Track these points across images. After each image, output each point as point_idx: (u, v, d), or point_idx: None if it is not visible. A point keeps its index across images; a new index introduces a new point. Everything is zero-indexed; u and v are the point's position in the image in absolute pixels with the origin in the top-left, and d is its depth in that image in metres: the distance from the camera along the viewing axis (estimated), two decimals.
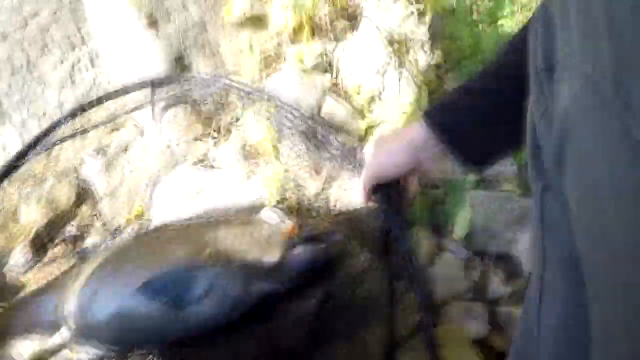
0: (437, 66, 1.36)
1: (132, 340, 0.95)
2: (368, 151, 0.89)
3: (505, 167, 1.60)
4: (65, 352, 1.14)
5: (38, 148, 1.27)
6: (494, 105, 0.66)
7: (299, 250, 0.87)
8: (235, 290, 0.84)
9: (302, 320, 0.86)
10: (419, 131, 0.73)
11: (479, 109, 0.68)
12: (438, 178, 1.44)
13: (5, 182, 1.25)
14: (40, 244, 1.42)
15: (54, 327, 1.14)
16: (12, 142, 1.87)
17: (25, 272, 1.40)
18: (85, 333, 1.04)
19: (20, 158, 1.17)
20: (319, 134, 0.99)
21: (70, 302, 1.08)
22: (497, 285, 1.42)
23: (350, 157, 0.95)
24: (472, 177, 1.49)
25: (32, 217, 1.52)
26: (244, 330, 0.88)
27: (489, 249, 1.43)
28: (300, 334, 0.86)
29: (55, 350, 1.14)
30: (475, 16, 1.53)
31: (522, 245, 1.46)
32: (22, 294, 1.36)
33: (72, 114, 1.26)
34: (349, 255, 0.97)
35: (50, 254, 1.41)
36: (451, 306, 1.27)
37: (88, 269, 1.11)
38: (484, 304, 1.36)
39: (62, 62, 1.94)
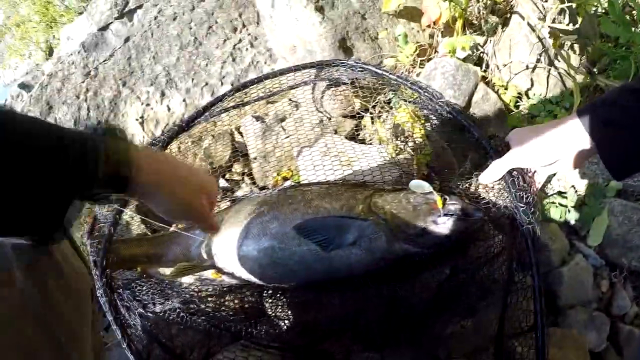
0: (589, 67, 1.32)
1: (277, 276, 1.05)
2: (512, 137, 0.90)
3: None
4: (210, 272, 1.30)
5: (204, 116, 1.45)
6: None
7: (442, 220, 0.95)
8: (382, 245, 0.94)
9: (428, 288, 0.93)
10: (570, 127, 0.75)
11: (636, 113, 0.68)
12: (580, 181, 1.41)
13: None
14: None
15: (200, 259, 1.30)
16: (176, 106, 2.20)
17: None
18: (232, 266, 1.14)
19: (189, 123, 1.32)
20: (462, 120, 1.04)
21: (221, 239, 1.18)
22: (625, 301, 1.36)
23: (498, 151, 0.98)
24: (614, 185, 1.43)
25: None
26: (376, 285, 0.98)
27: (623, 262, 1.38)
28: (423, 300, 0.93)
29: (199, 268, 1.28)
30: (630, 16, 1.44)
31: None
32: (174, 227, 1.57)
33: (237, 89, 1.40)
34: (484, 236, 1.02)
35: None
36: (575, 311, 1.25)
37: (238, 213, 1.21)
38: (607, 318, 1.32)
39: (224, 41, 2.23)
